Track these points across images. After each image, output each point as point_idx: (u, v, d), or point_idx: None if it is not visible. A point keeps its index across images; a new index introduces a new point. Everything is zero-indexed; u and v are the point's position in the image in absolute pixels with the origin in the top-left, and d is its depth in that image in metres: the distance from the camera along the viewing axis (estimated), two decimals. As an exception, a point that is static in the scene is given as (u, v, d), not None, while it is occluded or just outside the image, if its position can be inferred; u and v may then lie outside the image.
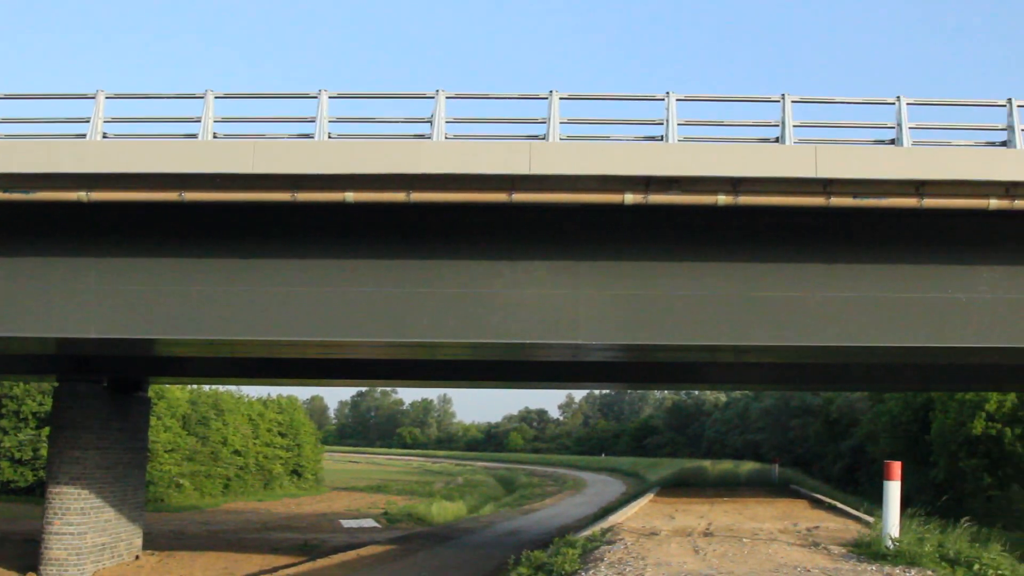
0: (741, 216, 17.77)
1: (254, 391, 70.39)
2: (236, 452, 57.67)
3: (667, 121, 17.19)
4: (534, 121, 17.20)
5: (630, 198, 16.81)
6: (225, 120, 17.52)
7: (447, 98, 17.33)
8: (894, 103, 17.56)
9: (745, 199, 16.92)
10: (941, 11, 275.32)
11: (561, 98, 17.36)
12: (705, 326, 18.13)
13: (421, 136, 17.19)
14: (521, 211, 17.48)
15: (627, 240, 17.94)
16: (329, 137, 17.22)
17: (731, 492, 34.46)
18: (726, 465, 56.22)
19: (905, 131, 17.30)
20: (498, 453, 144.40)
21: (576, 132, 17.39)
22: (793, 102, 17.48)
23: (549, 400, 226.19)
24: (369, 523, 42.81)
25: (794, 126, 17.32)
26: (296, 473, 65.79)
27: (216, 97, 17.53)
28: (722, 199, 16.88)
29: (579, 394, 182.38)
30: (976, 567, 13.71)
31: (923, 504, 20.26)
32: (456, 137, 17.21)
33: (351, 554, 28.79)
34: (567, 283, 17.91)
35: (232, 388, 60.74)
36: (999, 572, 13.76)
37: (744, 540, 16.83)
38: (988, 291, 18.19)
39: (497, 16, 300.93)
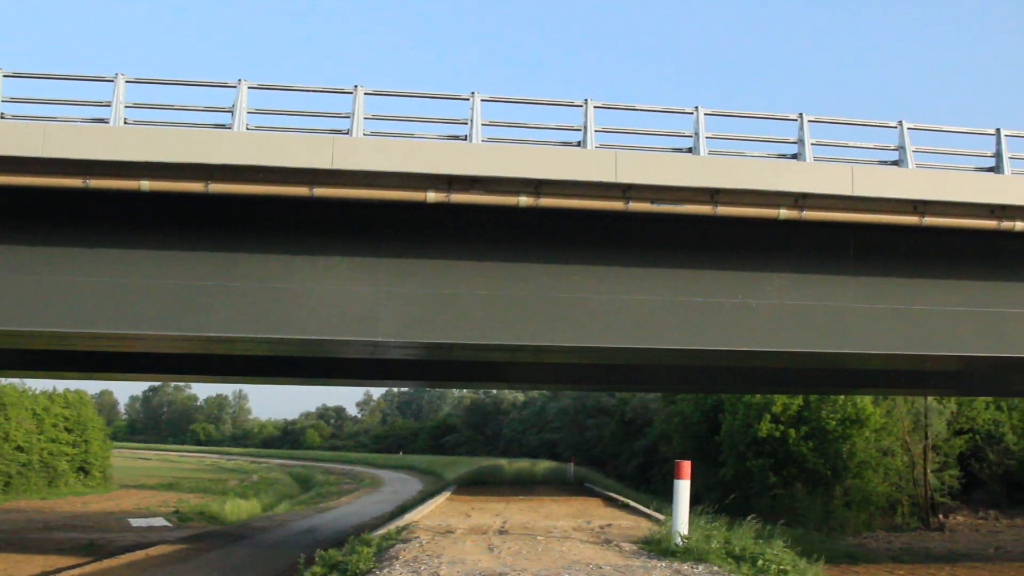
0: (543, 218, 18.19)
1: (39, 384, 67.51)
2: (18, 448, 55.22)
3: (471, 121, 17.46)
4: (339, 116, 17.19)
5: (432, 196, 16.99)
6: (14, 100, 16.85)
7: (250, 88, 17.14)
8: (692, 113, 18.31)
9: (547, 201, 17.34)
10: (736, 20, 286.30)
11: (366, 93, 17.41)
12: (505, 326, 18.48)
13: (222, 126, 16.94)
14: (323, 206, 17.44)
15: (429, 238, 18.13)
16: (125, 123, 16.77)
17: (527, 491, 35.00)
18: (523, 464, 56.97)
19: (702, 140, 18.06)
20: (295, 451, 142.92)
21: (381, 128, 17.47)
22: (596, 107, 18.01)
23: (347, 397, 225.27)
24: (160, 522, 41.71)
25: (596, 131, 17.85)
26: (83, 471, 63.45)
27: (4, 76, 16.85)
28: (524, 200, 17.25)
29: (378, 391, 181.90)
30: (760, 563, 14.42)
31: (712, 502, 21.11)
32: (259, 128, 17.03)
33: (139, 554, 27.99)
34: (367, 280, 17.96)
35: (15, 381, 58.03)
36: (781, 567, 14.51)
37: (538, 538, 17.19)
38: (777, 297, 19.19)
39: (310, 10, 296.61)
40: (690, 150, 18.11)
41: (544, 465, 55.36)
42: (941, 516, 52.07)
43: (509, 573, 12.45)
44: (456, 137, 17.50)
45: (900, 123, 19.28)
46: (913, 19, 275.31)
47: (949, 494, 53.54)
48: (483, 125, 17.51)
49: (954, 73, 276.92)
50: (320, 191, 16.64)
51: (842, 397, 47.49)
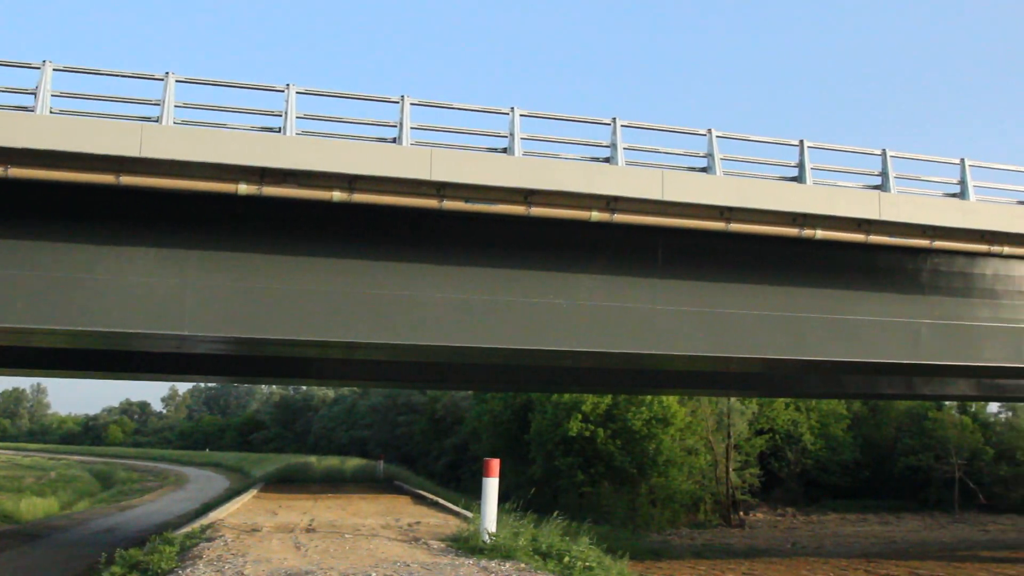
0: (357, 213, 18.22)
1: None
2: None
3: (286, 114, 17.37)
4: (149, 102, 16.85)
5: (244, 188, 16.84)
6: None
7: (55, 70, 16.63)
8: (508, 113, 18.65)
9: (360, 197, 17.40)
10: (555, 22, 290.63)
11: (178, 81, 17.11)
12: (316, 321, 18.43)
13: (24, 108, 16.38)
14: (130, 195, 17.05)
15: (240, 231, 17.94)
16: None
17: (336, 488, 34.93)
18: (332, 461, 56.70)
19: (517, 141, 18.41)
20: (96, 447, 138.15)
21: (195, 118, 17.16)
22: (412, 104, 18.15)
23: (152, 392, 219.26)
24: (-55, 522, 39.80)
25: (412, 128, 18.00)
26: None
27: None
28: (337, 195, 17.27)
29: (184, 386, 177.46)
30: (566, 559, 14.85)
31: (521, 500, 21.54)
32: (63, 113, 16.54)
33: (-82, 557, 26.74)
34: (175, 272, 17.65)
35: None
36: (587, 564, 14.98)
37: (346, 536, 17.26)
38: (588, 298, 19.71)
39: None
40: (505, 150, 18.43)
41: (354, 463, 55.24)
42: (742, 513, 54.21)
43: (315, 571, 12.49)
44: (270, 129, 17.37)
45: (709, 131, 20.07)
46: (724, 26, 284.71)
47: (750, 492, 55.80)
48: (298, 118, 17.44)
49: (761, 82, 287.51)
50: (127, 179, 16.28)
51: (649, 397, 48.88)
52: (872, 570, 33.49)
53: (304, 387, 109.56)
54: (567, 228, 19.22)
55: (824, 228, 20.34)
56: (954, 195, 21.97)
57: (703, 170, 19.80)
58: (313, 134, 17.53)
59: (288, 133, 17.22)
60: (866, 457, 65.94)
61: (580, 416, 49.03)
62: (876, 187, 21.13)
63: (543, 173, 18.15)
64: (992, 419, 69.27)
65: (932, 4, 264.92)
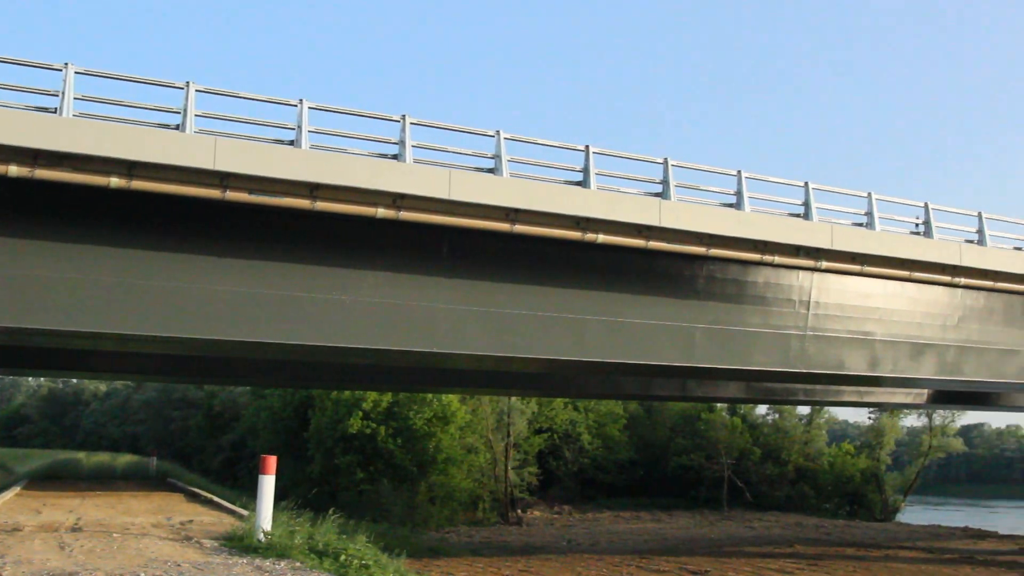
0: (136, 201, 17.70)
1: None
2: None
3: (63, 94, 16.75)
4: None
5: (15, 171, 16.17)
6: None
7: None
8: (296, 105, 18.48)
9: (140, 184, 16.94)
10: (340, 17, 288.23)
11: (-57, 54, 16.27)
12: (85, 312, 17.82)
13: None
14: None
15: (11, 216, 17.17)
16: None
17: (105, 486, 33.80)
18: (102, 457, 54.83)
19: (304, 134, 18.27)
20: None
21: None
22: (197, 91, 17.79)
23: None
24: None
25: (196, 115, 17.63)
26: None
27: None
28: (115, 181, 16.76)
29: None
30: (342, 558, 14.83)
31: (299, 498, 21.38)
32: None
33: None
34: (-67, 257, 16.78)
35: None
36: (363, 562, 15.00)
37: (115, 535, 16.77)
38: (371, 295, 19.72)
39: None
40: (292, 143, 18.26)
41: (125, 459, 53.59)
42: (519, 511, 55.08)
43: (80, 573, 12.12)
44: (45, 109, 16.71)
45: (498, 132, 20.38)
46: (515, 29, 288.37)
47: (528, 490, 56.79)
48: (76, 99, 16.83)
49: (551, 88, 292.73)
50: None
51: (431, 395, 49.16)
52: (644, 566, 34.58)
53: (75, 380, 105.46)
54: (353, 224, 19.18)
55: (606, 233, 20.95)
56: (730, 205, 22.98)
57: (491, 171, 20.10)
58: (93, 117, 16.95)
59: (65, 114, 16.60)
60: (641, 456, 68.04)
61: (361, 413, 48.89)
62: (657, 194, 21.90)
63: (330, 167, 18.07)
64: (760, 421, 72.66)
65: (703, 17, 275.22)
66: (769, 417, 73.18)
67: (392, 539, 25.64)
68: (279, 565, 13.41)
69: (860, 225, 25.03)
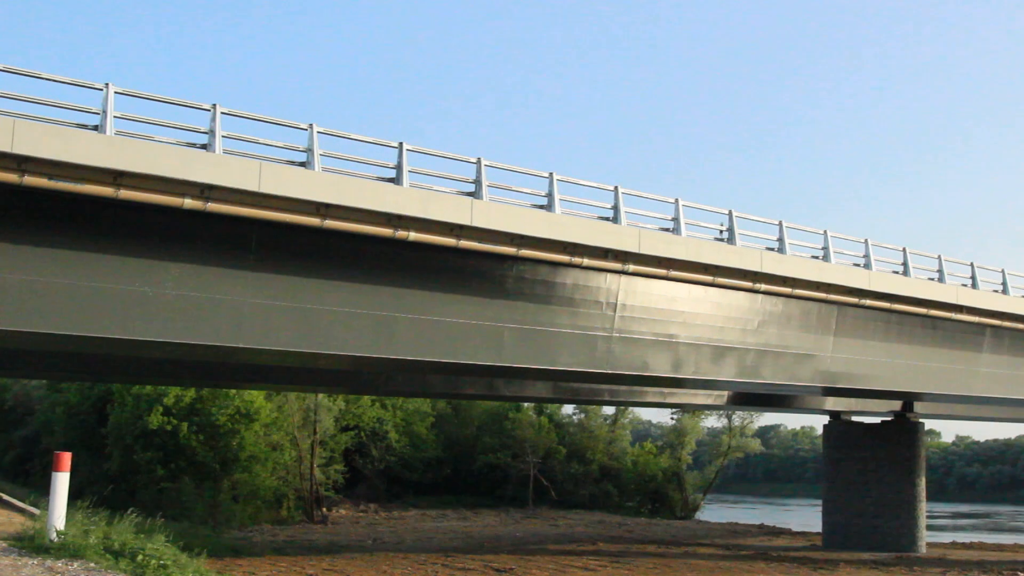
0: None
1: None
2: None
3: None
4: None
5: None
6: None
7: None
8: (102, 89, 17.93)
9: (-71, 166, 16.17)
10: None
11: None
12: None
13: None
14: None
15: None
16: None
17: None
18: None
19: (110, 119, 17.74)
20: None
21: None
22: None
23: None
24: None
25: (-4, 97, 16.92)
26: None
27: None
28: (-97, 162, 15.96)
29: None
30: (140, 558, 14.50)
31: (96, 496, 20.73)
32: None
33: None
34: None
35: None
36: (161, 562, 14.68)
37: None
38: (174, 287, 19.26)
39: None
40: (96, 128, 17.70)
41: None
42: (325, 509, 54.67)
43: None
44: None
45: (311, 126, 20.21)
46: (329, 25, 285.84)
47: (334, 488, 56.38)
48: None
49: (367, 82, 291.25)
50: None
51: (234, 391, 48.33)
52: (449, 564, 34.77)
53: None
54: (159, 214, 18.70)
55: (418, 230, 21.01)
56: (542, 207, 23.34)
57: (302, 164, 19.90)
58: None
59: None
60: (448, 455, 68.40)
61: (162, 409, 47.67)
62: (470, 194, 22.09)
63: (135, 155, 17.57)
64: (566, 420, 73.97)
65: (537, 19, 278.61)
66: (575, 416, 74.54)
67: (193, 538, 25.08)
68: (72, 566, 13.04)
69: (667, 230, 25.78)
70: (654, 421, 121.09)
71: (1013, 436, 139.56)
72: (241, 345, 20.44)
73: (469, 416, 71.74)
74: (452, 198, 21.69)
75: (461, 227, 21.55)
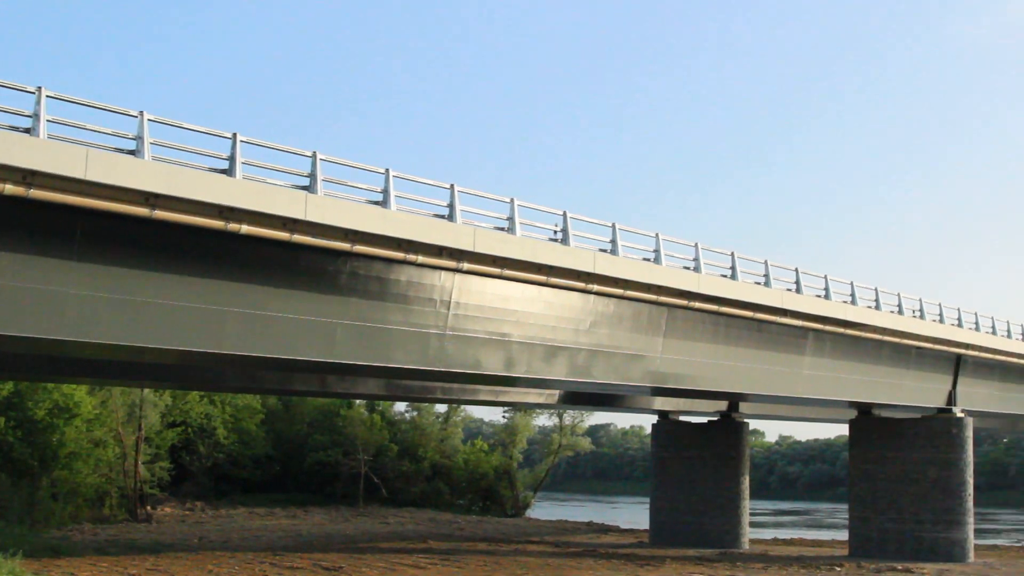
0: None
1: None
2: None
3: None
4: None
5: None
6: None
7: None
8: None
9: None
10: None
11: None
12: None
13: None
14: None
15: None
16: None
17: None
18: None
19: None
20: None
21: None
22: None
23: None
24: None
25: None
26: None
27: None
28: None
29: None
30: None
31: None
32: None
33: None
34: None
35: None
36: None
37: None
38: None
39: None
40: None
41: None
42: (149, 507, 53.48)
43: None
44: None
45: (141, 113, 19.71)
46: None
47: (159, 486, 55.18)
48: None
49: (196, 70, 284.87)
50: None
51: (52, 385, 46.85)
52: (277, 563, 34.40)
53: None
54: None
55: (250, 224, 20.69)
56: (378, 203, 23.27)
57: (132, 153, 19.38)
58: None
59: None
60: (278, 452, 67.73)
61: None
62: (304, 188, 21.86)
63: (-49, 138, 16.88)
64: (398, 418, 73.97)
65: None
66: (407, 414, 74.61)
67: (8, 538, 24.30)
68: None
69: (502, 229, 25.99)
70: (486, 419, 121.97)
71: (833, 436, 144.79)
72: (63, 337, 19.79)
73: (300, 413, 71.14)
74: (286, 191, 21.42)
75: (295, 221, 21.29)
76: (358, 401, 67.46)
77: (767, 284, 34.09)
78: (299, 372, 35.53)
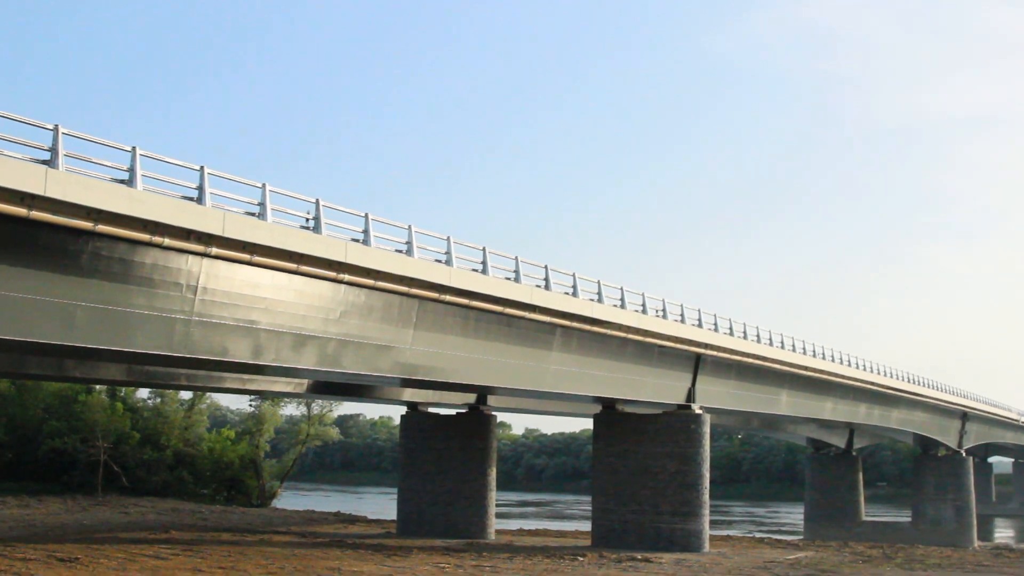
0: None
1: None
2: None
3: None
4: None
5: None
6: None
7: None
8: None
9: None
10: None
11: None
12: None
13: None
14: None
15: None
16: None
17: None
18: None
19: None
20: None
21: None
22: None
23: None
24: None
25: None
26: None
27: None
28: None
29: None
30: None
31: None
32: None
33: None
34: None
35: None
36: None
37: None
38: None
39: None
40: None
41: None
42: None
43: None
44: None
45: None
46: None
47: None
48: None
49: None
50: None
51: None
52: (8, 554, 32.85)
53: None
54: None
55: (-16, 198, 19.75)
56: (123, 182, 22.54)
57: None
58: None
59: None
60: (10, 438, 65.12)
61: None
62: (45, 162, 20.97)
63: None
64: (141, 404, 72.01)
65: None
66: (150, 401, 72.78)
67: None
68: None
69: (253, 215, 25.63)
70: (233, 407, 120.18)
71: (578, 430, 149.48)
72: None
73: (35, 398, 68.35)
74: (24, 164, 20.47)
75: (33, 197, 20.39)
76: (98, 386, 65.25)
77: (517, 280, 34.82)
78: (34, 355, 34.10)
